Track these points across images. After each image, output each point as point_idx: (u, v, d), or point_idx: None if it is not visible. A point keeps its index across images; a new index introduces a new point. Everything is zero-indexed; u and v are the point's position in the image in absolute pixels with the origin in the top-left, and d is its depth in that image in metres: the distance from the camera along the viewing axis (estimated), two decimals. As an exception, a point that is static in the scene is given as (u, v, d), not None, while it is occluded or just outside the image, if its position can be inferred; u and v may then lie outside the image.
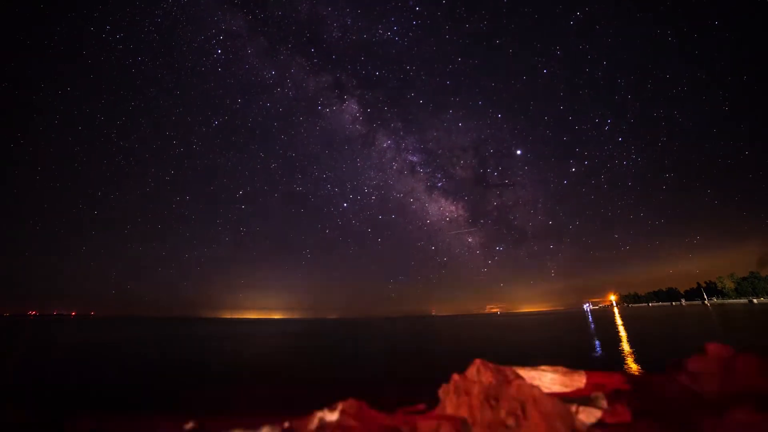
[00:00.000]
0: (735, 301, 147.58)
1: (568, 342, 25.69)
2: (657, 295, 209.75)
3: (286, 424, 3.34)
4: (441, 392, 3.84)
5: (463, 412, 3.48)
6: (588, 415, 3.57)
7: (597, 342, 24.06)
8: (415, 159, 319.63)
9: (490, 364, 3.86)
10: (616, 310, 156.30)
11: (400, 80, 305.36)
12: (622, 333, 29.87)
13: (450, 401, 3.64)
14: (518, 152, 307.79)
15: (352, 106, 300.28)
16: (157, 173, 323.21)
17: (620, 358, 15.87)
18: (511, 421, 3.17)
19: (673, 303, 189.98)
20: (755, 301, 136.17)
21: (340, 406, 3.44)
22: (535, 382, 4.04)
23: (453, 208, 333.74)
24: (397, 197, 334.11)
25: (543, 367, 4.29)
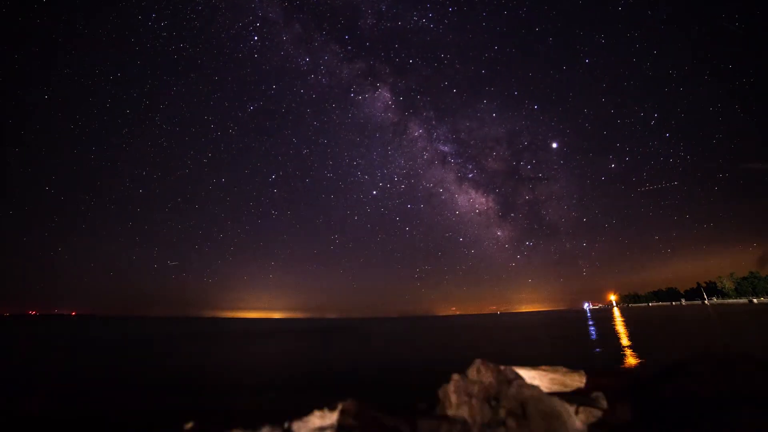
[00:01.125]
0: (735, 301, 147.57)
1: (568, 342, 25.69)
2: (657, 295, 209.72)
3: (286, 424, 3.34)
4: (441, 392, 3.83)
5: (463, 412, 3.48)
6: (588, 415, 3.57)
7: (597, 342, 24.07)
8: (446, 149, 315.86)
9: (490, 364, 3.86)
10: (616, 310, 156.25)
11: (434, 68, 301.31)
12: (622, 333, 29.88)
13: (450, 401, 3.64)
14: (554, 145, 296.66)
15: (384, 94, 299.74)
16: (195, 155, 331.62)
17: (620, 358, 15.87)
18: (511, 422, 3.17)
19: (673, 303, 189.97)
20: (755, 300, 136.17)
21: (340, 406, 3.43)
22: (535, 382, 4.04)
23: (483, 200, 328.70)
24: (427, 187, 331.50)
25: (543, 367, 4.29)
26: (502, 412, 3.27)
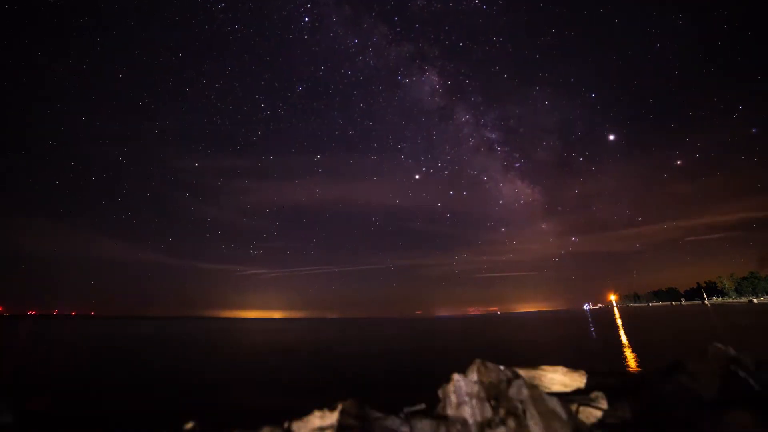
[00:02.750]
0: (735, 300, 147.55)
1: (568, 342, 25.68)
2: (657, 295, 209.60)
3: (286, 424, 3.34)
4: (441, 392, 3.83)
5: (463, 412, 3.47)
6: (588, 415, 3.57)
7: (597, 342, 24.06)
8: (493, 136, 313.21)
9: (490, 364, 3.86)
10: (616, 310, 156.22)
11: (485, 52, 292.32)
12: (622, 333, 29.87)
13: (450, 401, 3.64)
14: (611, 137, 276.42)
15: (432, 78, 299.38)
16: (246, 134, 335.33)
17: (620, 358, 15.87)
18: (511, 422, 3.17)
19: (673, 303, 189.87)
20: (755, 300, 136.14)
21: (340, 406, 3.43)
22: (535, 382, 4.04)
23: (529, 191, 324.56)
24: (471, 174, 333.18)
25: (543, 367, 4.29)
26: (502, 412, 3.27)
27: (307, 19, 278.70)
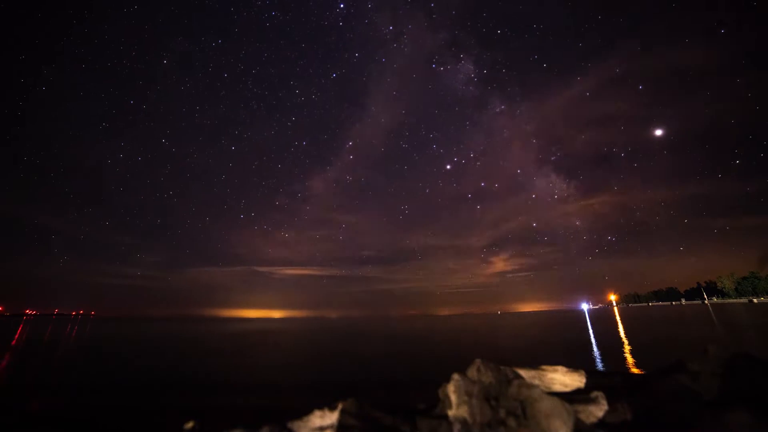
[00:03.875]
0: (735, 300, 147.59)
1: (568, 342, 25.68)
2: (657, 295, 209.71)
3: (286, 424, 3.34)
4: (441, 392, 3.83)
5: (463, 412, 3.47)
6: (588, 415, 3.57)
7: (597, 342, 24.06)
8: (529, 128, 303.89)
9: (490, 364, 3.86)
10: (616, 310, 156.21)
11: (524, 41, 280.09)
12: (622, 333, 29.87)
13: (450, 401, 3.63)
14: (658, 132, 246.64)
15: (467, 66, 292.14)
16: (281, 119, 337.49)
17: (620, 358, 15.87)
18: (511, 421, 3.17)
19: (673, 303, 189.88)
20: (755, 300, 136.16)
21: (340, 406, 3.43)
22: (535, 382, 4.03)
23: (564, 185, 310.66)
24: (504, 166, 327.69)
25: (543, 367, 4.28)
26: (502, 412, 3.27)
27: (342, 6, 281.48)
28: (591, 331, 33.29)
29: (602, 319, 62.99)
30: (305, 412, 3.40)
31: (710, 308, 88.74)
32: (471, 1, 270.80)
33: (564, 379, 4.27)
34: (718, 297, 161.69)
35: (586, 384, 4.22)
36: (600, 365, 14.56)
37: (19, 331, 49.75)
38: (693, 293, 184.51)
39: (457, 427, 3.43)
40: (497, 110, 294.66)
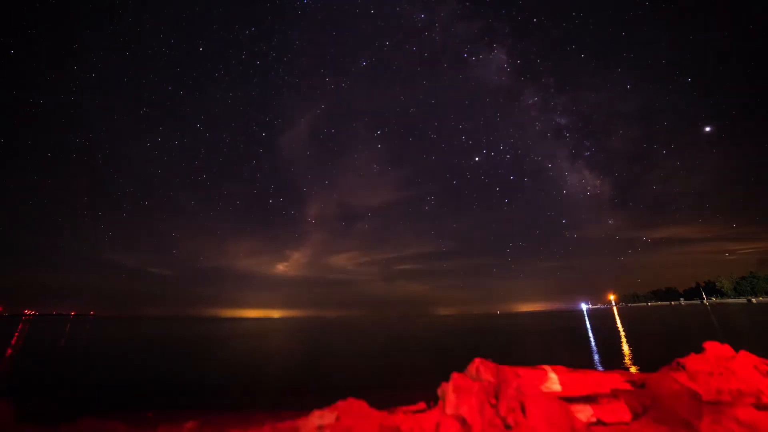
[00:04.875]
0: (734, 300, 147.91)
1: (568, 342, 25.72)
2: (656, 295, 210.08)
3: (286, 424, 3.34)
4: (441, 391, 3.84)
5: (463, 412, 3.48)
6: (588, 415, 3.58)
7: (596, 342, 24.10)
8: (563, 121, 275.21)
9: (490, 364, 3.87)
10: (615, 309, 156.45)
11: (562, 29, 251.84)
12: (622, 333, 29.93)
13: (450, 400, 3.64)
14: (707, 129, 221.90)
15: (500, 56, 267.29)
16: (310, 107, 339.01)
17: (620, 358, 15.90)
18: (511, 421, 3.17)
19: (672, 303, 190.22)
20: (754, 300, 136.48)
21: (340, 406, 3.43)
22: (535, 382, 4.04)
23: (597, 182, 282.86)
24: (535, 160, 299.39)
25: (543, 367, 4.29)
26: (502, 412, 3.28)
27: None
28: (590, 331, 33.35)
29: (601, 319, 63.09)
30: (305, 411, 3.40)
31: (709, 308, 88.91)
32: None
33: (564, 378, 4.27)
34: (717, 297, 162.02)
35: (586, 384, 4.23)
36: (600, 365, 14.58)
37: (18, 331, 49.69)
38: (692, 293, 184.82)
39: (457, 427, 3.43)
40: (530, 102, 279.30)
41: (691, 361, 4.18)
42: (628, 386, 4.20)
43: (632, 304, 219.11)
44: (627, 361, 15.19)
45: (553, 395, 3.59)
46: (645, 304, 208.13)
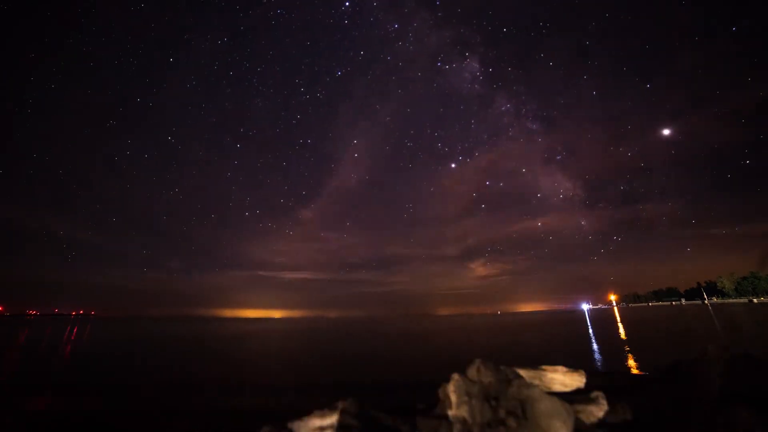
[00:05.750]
0: (735, 300, 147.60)
1: (568, 342, 25.69)
2: (657, 295, 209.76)
3: (286, 424, 3.34)
4: (441, 392, 3.83)
5: (463, 412, 3.47)
6: (588, 415, 3.57)
7: (597, 342, 24.07)
8: (534, 127, 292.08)
9: (490, 364, 3.86)
10: (615, 310, 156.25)
11: (530, 38, 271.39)
12: (622, 333, 29.88)
13: (450, 401, 3.64)
14: (665, 132, 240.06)
15: (473, 65, 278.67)
16: (286, 117, 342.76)
17: (620, 358, 15.87)
18: (511, 421, 3.17)
19: (673, 303, 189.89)
20: (755, 300, 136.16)
21: (340, 406, 3.43)
22: (535, 382, 4.03)
23: (569, 185, 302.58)
24: (509, 165, 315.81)
25: (543, 367, 4.28)
26: (502, 412, 3.27)
27: (347, 4, 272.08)
28: (591, 331, 33.30)
29: (602, 319, 63.01)
30: (305, 412, 3.40)
31: (710, 308, 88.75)
32: None
33: (564, 379, 4.27)
34: (718, 297, 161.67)
35: (586, 384, 4.22)
36: (600, 365, 14.56)
37: (19, 332, 49.76)
38: (693, 293, 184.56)
39: (457, 427, 3.42)
40: (502, 109, 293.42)
41: (693, 361, 4.18)
42: (629, 387, 4.19)
43: (633, 305, 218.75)
44: (628, 361, 15.16)
45: (553, 396, 3.58)
46: (646, 304, 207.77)
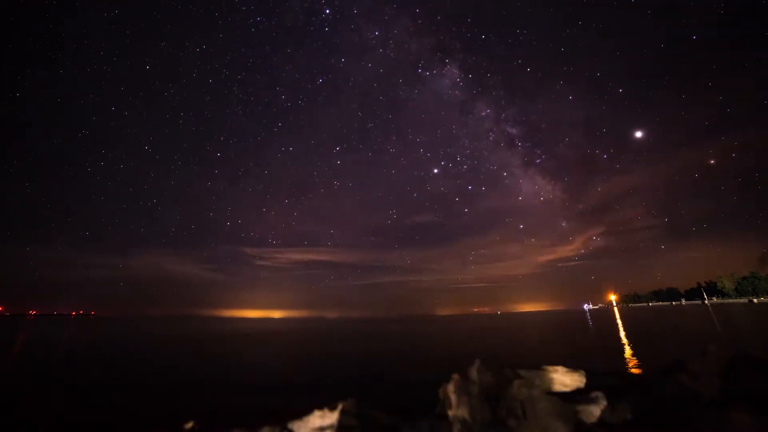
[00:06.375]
0: (735, 300, 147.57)
1: (568, 342, 25.69)
2: (657, 295, 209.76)
3: (286, 424, 3.34)
4: (441, 392, 3.84)
5: (463, 412, 3.48)
6: (588, 415, 3.57)
7: (597, 342, 24.07)
8: (514, 131, 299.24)
9: (490, 364, 3.86)
10: (616, 310, 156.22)
11: (508, 45, 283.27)
12: (622, 333, 29.88)
13: (450, 401, 3.64)
14: (638, 134, 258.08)
15: (453, 71, 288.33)
16: (267, 124, 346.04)
17: (620, 358, 15.87)
18: (511, 421, 3.17)
19: (673, 303, 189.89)
20: (755, 300, 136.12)
21: (340, 406, 3.43)
22: (535, 382, 4.03)
23: (549, 188, 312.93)
24: (490, 169, 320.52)
25: (543, 367, 4.29)
26: (502, 412, 3.27)
27: (328, 11, 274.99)
28: (591, 332, 33.30)
29: (602, 319, 63.00)
30: (305, 412, 3.40)
31: (710, 308, 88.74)
32: (456, 6, 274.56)
33: (564, 379, 4.27)
34: (718, 297, 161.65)
35: (586, 384, 4.22)
36: (600, 365, 14.55)
37: (19, 332, 49.77)
38: (693, 293, 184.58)
39: (457, 428, 3.42)
40: (483, 114, 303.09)
41: (693, 361, 4.18)
42: (629, 387, 4.19)
43: (633, 305, 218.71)
44: (628, 361, 15.16)
45: (553, 396, 3.58)
46: (646, 304, 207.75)
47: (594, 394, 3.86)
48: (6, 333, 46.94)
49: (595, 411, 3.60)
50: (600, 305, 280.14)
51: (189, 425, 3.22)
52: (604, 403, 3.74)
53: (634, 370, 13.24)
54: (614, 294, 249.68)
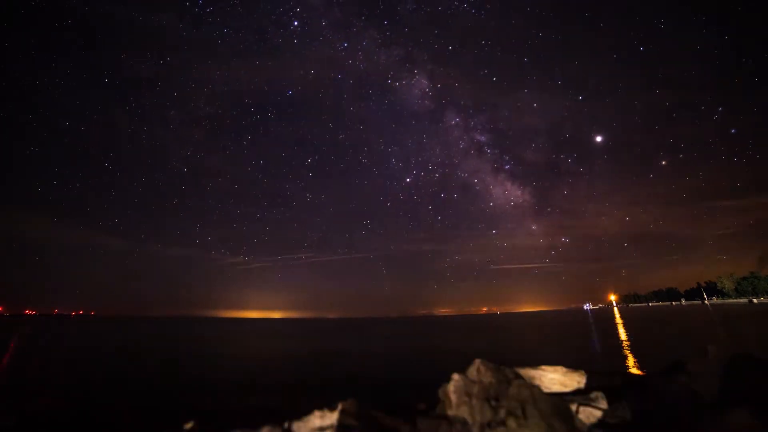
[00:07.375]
0: (735, 301, 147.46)
1: (568, 342, 25.68)
2: (657, 295, 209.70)
3: (286, 424, 3.34)
4: (441, 392, 3.83)
5: (463, 412, 3.47)
6: (588, 415, 3.57)
7: (597, 342, 24.06)
8: (483, 139, 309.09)
9: (490, 364, 3.86)
10: (616, 310, 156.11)
11: (474, 56, 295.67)
12: (622, 333, 29.86)
13: (450, 401, 3.63)
14: (598, 139, 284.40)
15: (422, 81, 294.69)
16: (236, 138, 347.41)
17: (620, 358, 15.87)
18: (511, 422, 3.16)
19: (673, 303, 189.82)
20: (755, 300, 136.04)
21: (340, 406, 3.43)
22: (535, 382, 4.03)
23: (519, 192, 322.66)
24: (461, 177, 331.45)
25: (543, 367, 4.29)
26: (502, 412, 3.27)
27: (296, 23, 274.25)
28: (591, 332, 33.29)
29: (602, 319, 62.98)
30: (305, 412, 3.40)
31: (710, 308, 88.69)
32: (423, 18, 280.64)
33: (564, 379, 4.27)
34: (718, 297, 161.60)
35: (586, 384, 4.22)
36: (600, 365, 14.55)
37: (19, 332, 49.75)
38: (693, 293, 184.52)
39: (457, 428, 3.42)
40: (452, 123, 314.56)
41: (693, 361, 4.18)
42: (629, 387, 4.19)
43: (633, 305, 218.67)
44: (628, 361, 15.16)
45: (553, 396, 3.58)
46: (646, 304, 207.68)
47: (594, 394, 3.86)
48: (5, 333, 46.93)
49: (595, 411, 3.60)
50: (600, 305, 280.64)
51: (189, 425, 3.21)
52: (604, 403, 3.74)
53: (634, 370, 13.24)
54: (614, 294, 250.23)
